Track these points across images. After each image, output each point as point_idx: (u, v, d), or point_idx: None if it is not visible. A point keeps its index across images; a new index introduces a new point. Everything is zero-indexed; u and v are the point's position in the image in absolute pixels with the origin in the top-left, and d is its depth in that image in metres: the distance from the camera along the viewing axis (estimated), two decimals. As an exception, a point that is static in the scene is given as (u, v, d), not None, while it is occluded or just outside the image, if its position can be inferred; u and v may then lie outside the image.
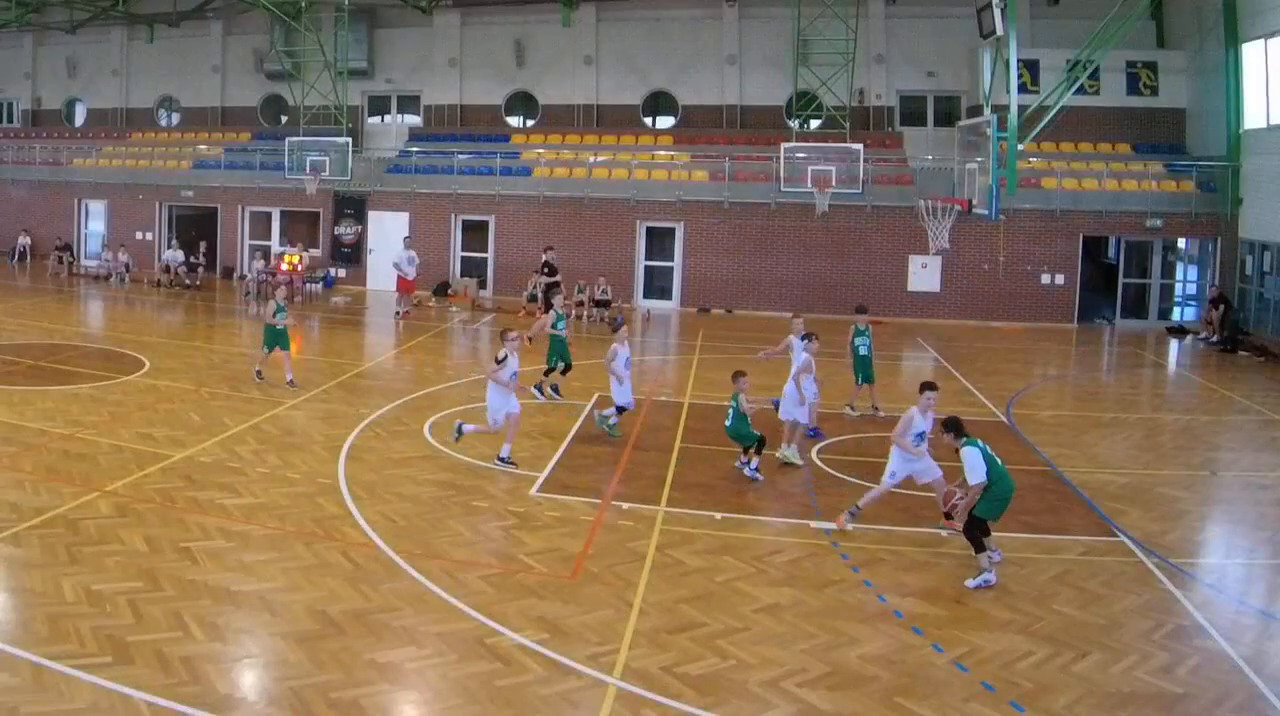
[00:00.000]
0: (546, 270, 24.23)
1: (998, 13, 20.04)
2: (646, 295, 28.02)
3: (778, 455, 12.41)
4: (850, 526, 10.11)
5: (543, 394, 15.67)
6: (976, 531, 8.97)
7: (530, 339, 15.43)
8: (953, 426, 9.14)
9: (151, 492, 10.50)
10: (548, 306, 20.28)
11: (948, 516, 9.90)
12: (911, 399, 17.49)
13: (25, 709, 6.23)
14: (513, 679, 6.97)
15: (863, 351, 14.96)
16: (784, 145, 26.35)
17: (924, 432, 10.14)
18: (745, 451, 11.87)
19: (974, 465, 8.84)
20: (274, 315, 15.77)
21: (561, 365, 15.88)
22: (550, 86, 32.45)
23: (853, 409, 15.16)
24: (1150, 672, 7.27)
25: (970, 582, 8.80)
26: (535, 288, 26.21)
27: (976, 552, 8.97)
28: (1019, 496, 10.20)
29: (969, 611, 8.35)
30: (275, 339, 15.84)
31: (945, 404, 16.52)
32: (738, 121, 31.13)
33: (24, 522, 9.36)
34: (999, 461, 9.07)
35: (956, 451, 9.15)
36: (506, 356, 11.87)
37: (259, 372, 16.14)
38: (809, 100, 27.70)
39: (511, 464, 11.94)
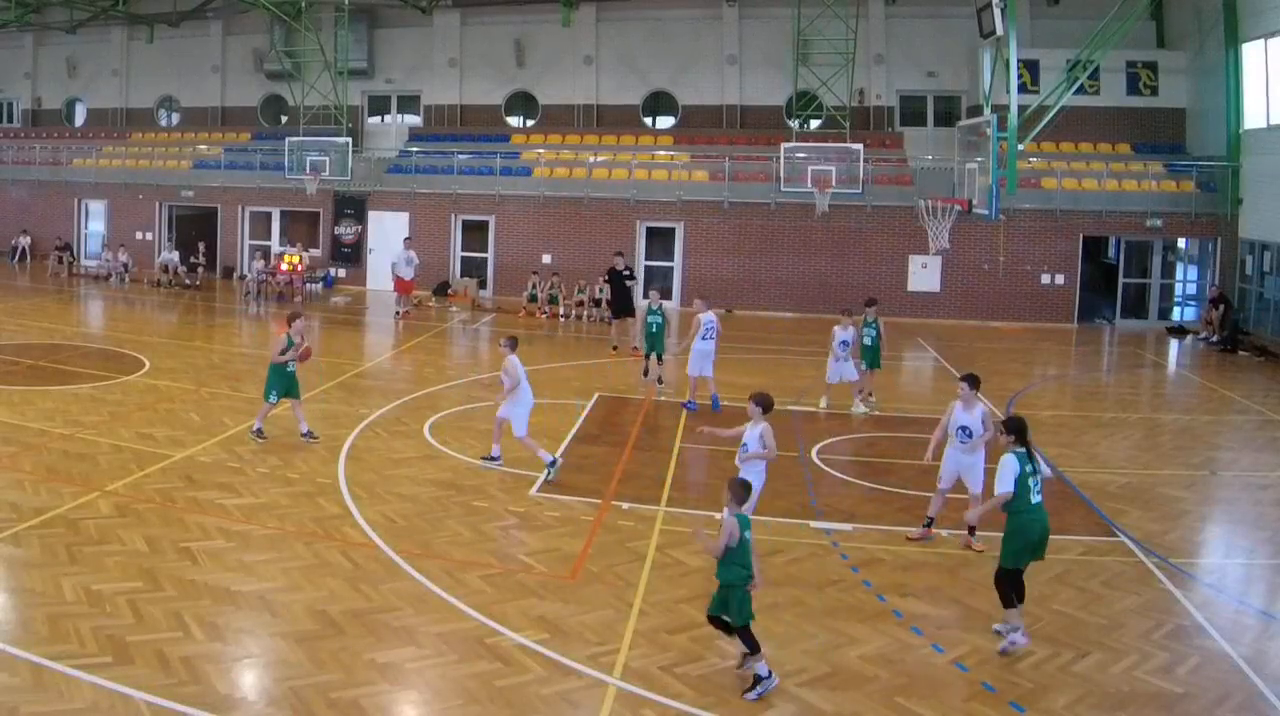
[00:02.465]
0: (609, 277, 22.62)
1: (998, 13, 20.04)
2: (646, 296, 27.96)
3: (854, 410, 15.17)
4: (916, 532, 9.92)
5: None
6: (1004, 581, 7.69)
7: (634, 347, 16.60)
8: (1013, 427, 7.90)
9: (151, 492, 10.50)
10: (620, 312, 20.89)
11: (971, 530, 9.75)
12: (914, 398, 17.60)
13: (25, 709, 6.23)
14: (513, 679, 6.97)
15: (867, 341, 15.55)
16: (784, 145, 26.36)
17: (968, 427, 9.69)
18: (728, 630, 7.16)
19: (1004, 473, 7.64)
20: (283, 352, 12.49)
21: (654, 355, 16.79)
22: (550, 86, 32.44)
23: (870, 398, 15.73)
24: (1150, 672, 7.27)
25: (1000, 646, 7.59)
26: (534, 287, 26.23)
27: (1004, 607, 7.67)
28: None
29: (969, 611, 8.36)
30: (285, 384, 12.63)
31: (944, 404, 16.53)
32: (738, 121, 31.12)
33: (24, 522, 9.36)
34: (1035, 493, 7.73)
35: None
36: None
37: (259, 431, 12.65)
38: (809, 100, 27.69)
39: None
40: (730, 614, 6.91)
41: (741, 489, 7.18)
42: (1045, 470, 7.97)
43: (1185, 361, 22.59)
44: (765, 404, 9.05)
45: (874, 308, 15.75)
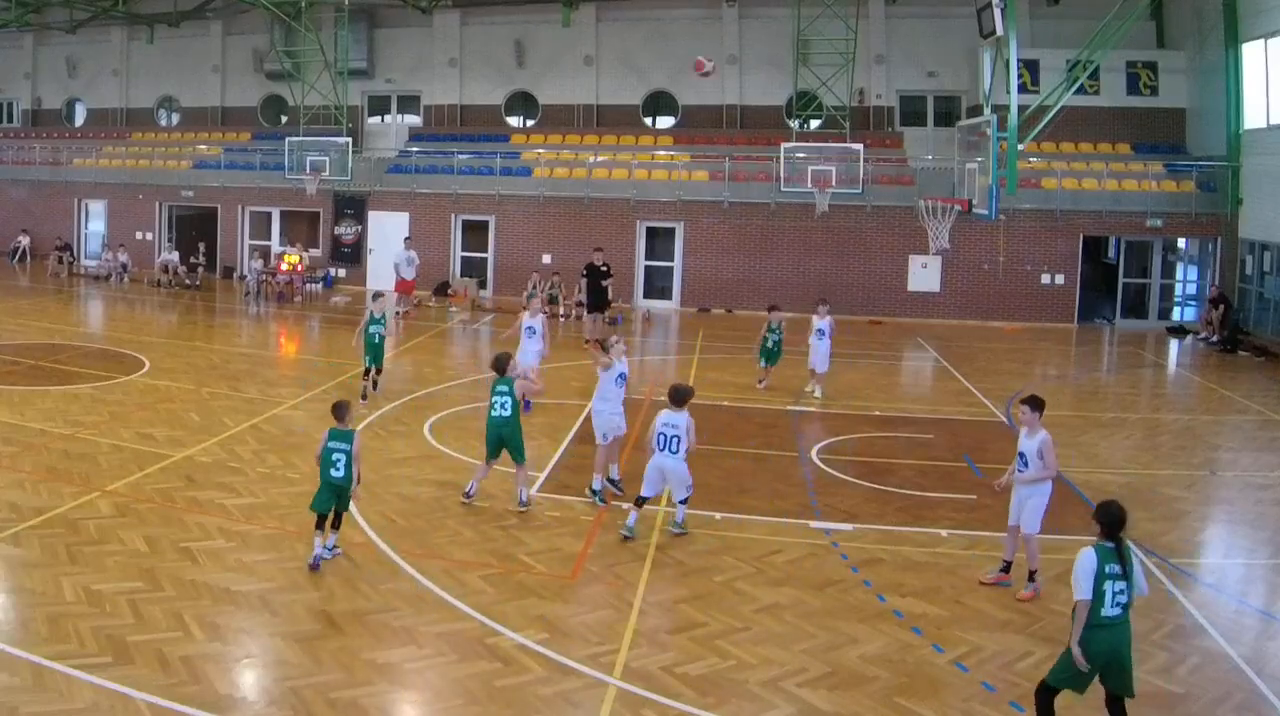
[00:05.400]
0: (586, 272, 22.67)
1: (998, 13, 20.00)
2: (646, 295, 28.00)
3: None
4: (990, 576, 8.98)
5: None
6: (1038, 695, 6.33)
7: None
8: (1103, 517, 6.25)
9: (151, 492, 10.50)
10: (595, 308, 21.39)
11: (1031, 576, 8.74)
12: (914, 399, 17.60)
13: (25, 709, 6.23)
14: (513, 679, 6.97)
15: (770, 343, 16.94)
16: (784, 145, 26.33)
17: (1024, 454, 8.72)
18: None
19: (1078, 573, 6.11)
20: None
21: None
22: (550, 86, 32.43)
23: (761, 383, 17.09)
24: (1150, 672, 7.25)
25: None
26: (534, 287, 26.21)
27: None
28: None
29: (969, 611, 8.36)
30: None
31: (943, 404, 16.66)
32: (738, 121, 31.11)
33: (24, 522, 9.36)
34: (1114, 603, 6.07)
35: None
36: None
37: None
38: (809, 100, 27.66)
39: None
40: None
41: (337, 409, 9.07)
42: (1141, 584, 6.22)
43: (1185, 361, 22.58)
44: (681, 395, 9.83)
45: (776, 312, 17.03)
